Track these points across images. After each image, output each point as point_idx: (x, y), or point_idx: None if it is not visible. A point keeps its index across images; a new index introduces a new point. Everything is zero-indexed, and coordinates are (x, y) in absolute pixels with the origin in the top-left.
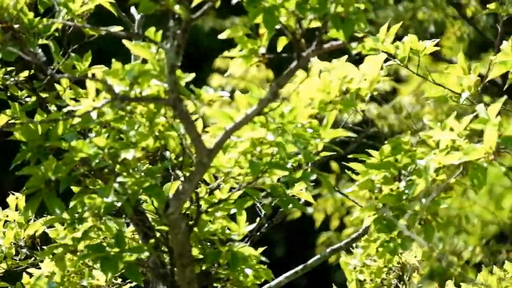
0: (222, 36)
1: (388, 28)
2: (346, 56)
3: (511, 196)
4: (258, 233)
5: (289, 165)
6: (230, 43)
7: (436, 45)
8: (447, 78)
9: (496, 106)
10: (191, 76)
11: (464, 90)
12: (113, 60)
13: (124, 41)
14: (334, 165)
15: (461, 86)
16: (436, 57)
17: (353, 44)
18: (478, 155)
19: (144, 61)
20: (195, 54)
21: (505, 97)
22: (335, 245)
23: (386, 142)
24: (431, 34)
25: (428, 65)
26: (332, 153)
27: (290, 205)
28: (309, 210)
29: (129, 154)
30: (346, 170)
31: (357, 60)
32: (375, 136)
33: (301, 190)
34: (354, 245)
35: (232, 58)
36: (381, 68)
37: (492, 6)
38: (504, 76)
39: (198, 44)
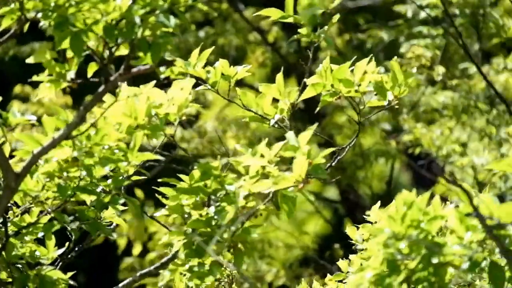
0: (30, 60)
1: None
2: (154, 82)
3: (314, 221)
4: (69, 257)
5: (99, 189)
6: (31, 70)
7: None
8: (262, 99)
9: (307, 134)
10: None
11: (278, 112)
12: None
13: None
14: (138, 191)
15: (276, 109)
16: (238, 82)
17: (162, 69)
18: (288, 184)
19: None
20: None
21: (316, 124)
22: (144, 270)
23: (196, 167)
24: (233, 59)
25: (231, 90)
26: (143, 178)
27: (98, 231)
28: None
29: None
30: (156, 195)
31: (166, 84)
32: (180, 160)
33: (114, 213)
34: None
35: (40, 82)
36: (190, 93)
37: (303, 31)
38: (310, 102)
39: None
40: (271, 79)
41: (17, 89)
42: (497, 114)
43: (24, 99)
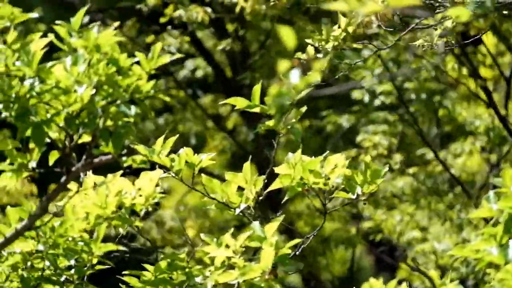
0: None
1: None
2: (121, 171)
3: None
4: None
5: (63, 279)
6: None
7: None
8: (228, 187)
9: (273, 225)
10: None
11: (243, 201)
12: None
13: None
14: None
15: (241, 197)
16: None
17: (124, 158)
18: (255, 274)
19: None
20: None
21: (282, 216)
22: None
23: (161, 257)
24: (192, 147)
25: (189, 176)
26: (106, 267)
27: None
28: None
29: None
30: (120, 284)
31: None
32: (141, 249)
33: None
34: None
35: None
36: (157, 184)
37: (270, 123)
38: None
39: None
40: (230, 166)
41: None
42: (455, 197)
43: None
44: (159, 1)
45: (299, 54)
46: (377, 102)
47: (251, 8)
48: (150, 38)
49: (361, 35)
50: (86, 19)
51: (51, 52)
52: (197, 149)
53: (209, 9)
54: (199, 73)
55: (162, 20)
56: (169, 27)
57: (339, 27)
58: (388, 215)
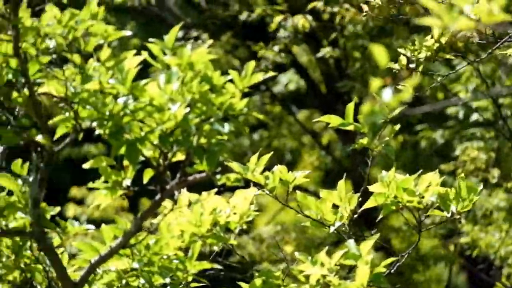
0: (86, 166)
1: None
2: (215, 189)
3: None
4: None
5: None
6: (85, 171)
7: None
8: (323, 205)
9: (368, 243)
10: (57, 209)
11: (337, 219)
12: None
13: None
14: None
15: (335, 215)
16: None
17: (218, 176)
18: None
19: (10, 193)
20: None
21: (378, 235)
22: None
23: (256, 274)
24: (287, 162)
25: (283, 194)
26: (201, 285)
27: None
28: None
29: None
30: None
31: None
32: (236, 267)
33: None
34: None
35: (96, 189)
36: (252, 203)
37: (364, 141)
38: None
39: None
40: (324, 182)
41: (73, 191)
42: None
43: (80, 201)
44: (262, 12)
45: (391, 64)
46: (472, 117)
47: (351, 17)
48: (258, 47)
49: (456, 48)
50: (180, 34)
51: (145, 69)
52: (292, 165)
53: (309, 17)
54: (292, 86)
55: (270, 28)
56: (262, 42)
57: (432, 37)
58: (484, 231)
